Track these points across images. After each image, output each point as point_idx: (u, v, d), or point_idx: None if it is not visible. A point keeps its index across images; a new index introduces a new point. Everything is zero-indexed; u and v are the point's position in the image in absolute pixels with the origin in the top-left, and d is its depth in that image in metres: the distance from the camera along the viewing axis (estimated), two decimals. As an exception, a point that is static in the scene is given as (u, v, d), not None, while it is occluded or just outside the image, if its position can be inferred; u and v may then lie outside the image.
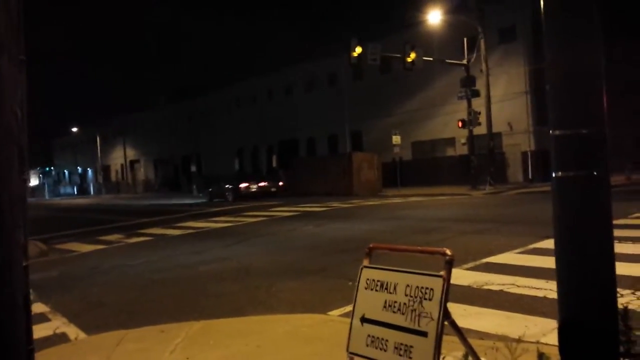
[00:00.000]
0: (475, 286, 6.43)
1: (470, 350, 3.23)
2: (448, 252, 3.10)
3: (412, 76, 29.01)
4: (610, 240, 2.76)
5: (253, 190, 32.23)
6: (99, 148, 66.57)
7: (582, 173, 2.72)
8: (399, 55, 23.73)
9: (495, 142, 26.50)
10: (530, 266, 7.25)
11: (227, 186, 33.07)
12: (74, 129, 70.96)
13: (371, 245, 3.70)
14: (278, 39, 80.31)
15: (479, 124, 25.19)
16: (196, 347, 4.88)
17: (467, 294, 6.14)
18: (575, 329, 2.77)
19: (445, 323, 3.00)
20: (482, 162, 25.26)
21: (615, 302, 2.76)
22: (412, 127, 33.56)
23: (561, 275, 2.84)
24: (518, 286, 6.24)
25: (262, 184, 32.95)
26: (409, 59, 23.20)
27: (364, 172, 29.87)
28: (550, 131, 2.81)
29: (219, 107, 52.24)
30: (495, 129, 25.85)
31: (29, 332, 1.64)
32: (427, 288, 3.23)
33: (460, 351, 3.42)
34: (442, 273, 3.09)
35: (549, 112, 2.83)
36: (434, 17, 25.01)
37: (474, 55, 25.52)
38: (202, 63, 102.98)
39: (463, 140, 27.30)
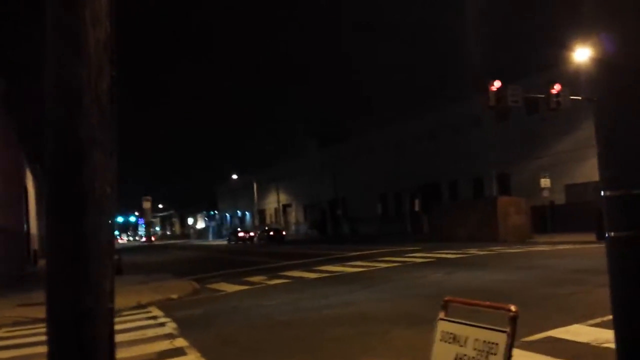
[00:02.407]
0: (594, 343, 6.04)
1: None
2: (512, 308, 3.19)
3: (561, 116, 27.40)
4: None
5: (247, 237, 56.41)
6: (255, 194, 71.69)
7: (634, 234, 2.70)
8: (542, 96, 22.72)
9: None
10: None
11: (237, 234, 58.28)
12: (234, 176, 77.36)
13: (446, 299, 3.87)
14: (418, 82, 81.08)
15: (640, 164, 22.88)
16: (299, 386, 5.29)
17: (583, 351, 5.83)
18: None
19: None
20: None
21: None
22: (565, 169, 31.45)
23: (617, 333, 2.80)
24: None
25: (272, 233, 52.28)
26: (554, 100, 22.10)
27: (510, 217, 28.50)
28: (602, 192, 2.83)
29: (363, 152, 53.70)
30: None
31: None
32: (492, 343, 3.32)
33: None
34: (506, 329, 3.19)
35: (599, 173, 2.86)
36: (582, 55, 23.57)
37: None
38: (346, 109, 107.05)
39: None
